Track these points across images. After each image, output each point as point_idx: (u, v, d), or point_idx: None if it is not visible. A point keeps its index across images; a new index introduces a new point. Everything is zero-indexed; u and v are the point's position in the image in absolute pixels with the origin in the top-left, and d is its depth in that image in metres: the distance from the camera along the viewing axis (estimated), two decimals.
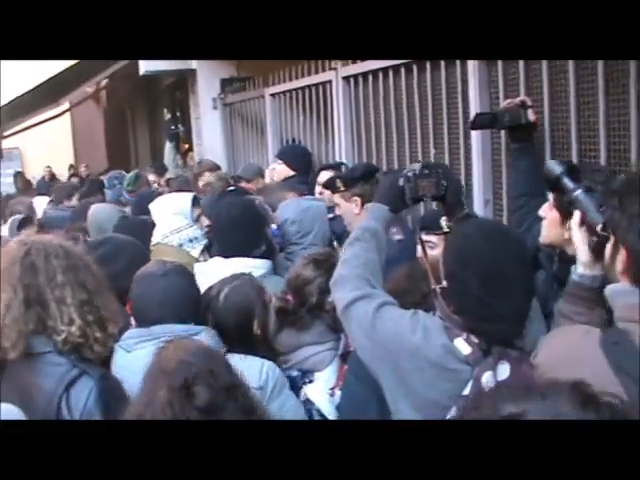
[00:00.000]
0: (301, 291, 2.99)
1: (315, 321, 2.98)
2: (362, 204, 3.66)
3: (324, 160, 5.70)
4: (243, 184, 5.60)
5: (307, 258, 3.15)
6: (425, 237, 2.92)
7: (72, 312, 2.20)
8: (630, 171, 2.64)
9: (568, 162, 2.47)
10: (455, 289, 2.09)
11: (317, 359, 2.85)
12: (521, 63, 3.35)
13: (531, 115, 3.11)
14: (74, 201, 6.80)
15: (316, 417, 2.78)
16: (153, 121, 15.51)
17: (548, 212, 2.41)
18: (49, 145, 17.49)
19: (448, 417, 1.97)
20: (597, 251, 2.04)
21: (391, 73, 4.55)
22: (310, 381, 2.82)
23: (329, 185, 3.91)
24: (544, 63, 3.20)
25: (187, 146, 9.97)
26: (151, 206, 4.25)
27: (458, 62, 3.83)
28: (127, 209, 5.39)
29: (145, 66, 9.26)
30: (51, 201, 6.97)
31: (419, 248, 2.71)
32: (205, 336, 2.46)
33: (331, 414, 2.78)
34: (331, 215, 4.10)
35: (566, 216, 2.26)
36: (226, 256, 3.41)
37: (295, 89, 6.20)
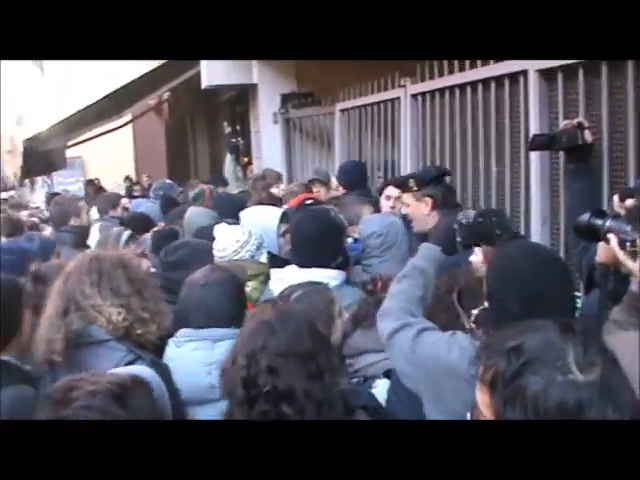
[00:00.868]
0: None
1: None
2: (433, 205, 3.80)
3: (389, 175, 5.84)
4: (317, 186, 5.83)
5: None
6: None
7: (107, 314, 2.62)
8: None
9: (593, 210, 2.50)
10: (495, 308, 2.18)
11: (379, 366, 2.93)
12: (581, 82, 3.41)
13: (588, 136, 3.14)
14: (119, 211, 6.76)
15: None
16: (213, 134, 15.78)
17: None
18: (110, 155, 17.82)
19: None
20: None
21: (458, 91, 4.65)
22: (370, 388, 2.89)
23: (402, 184, 4.04)
24: (604, 82, 3.25)
25: (247, 159, 10.15)
26: (242, 215, 4.49)
27: (522, 80, 3.89)
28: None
29: (207, 80, 9.48)
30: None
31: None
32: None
33: None
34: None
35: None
36: (303, 266, 3.50)
37: (364, 105, 6.36)
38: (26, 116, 20.09)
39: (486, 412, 1.48)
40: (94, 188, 13.41)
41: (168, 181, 7.81)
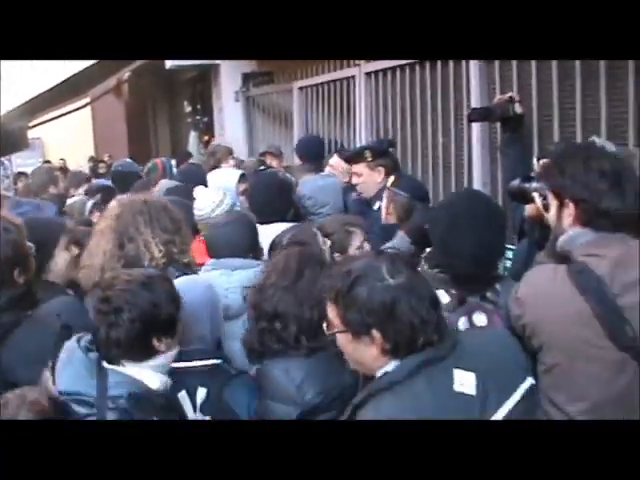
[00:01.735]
0: None
1: None
2: (386, 174, 4.27)
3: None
4: (269, 158, 6.48)
5: None
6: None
7: (156, 247, 3.16)
8: (560, 144, 3.15)
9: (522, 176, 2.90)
10: (431, 232, 2.75)
11: None
12: (514, 63, 3.90)
13: (518, 108, 3.50)
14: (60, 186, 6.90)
15: None
16: (173, 113, 15.89)
17: None
18: (70, 136, 17.90)
19: None
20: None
21: (408, 70, 5.09)
22: None
23: (357, 155, 4.49)
24: (533, 63, 3.75)
25: (207, 138, 10.45)
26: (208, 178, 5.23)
27: (464, 62, 4.35)
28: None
29: (170, 60, 9.71)
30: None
31: None
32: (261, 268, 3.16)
33: None
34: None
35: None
36: (263, 222, 3.99)
37: (321, 83, 6.73)
38: None
39: (335, 321, 2.06)
40: (59, 169, 13.52)
41: (128, 160, 8.14)
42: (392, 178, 4.12)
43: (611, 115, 3.30)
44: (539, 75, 3.76)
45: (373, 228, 3.86)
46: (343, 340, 2.07)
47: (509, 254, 3.51)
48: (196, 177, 5.52)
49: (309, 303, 2.49)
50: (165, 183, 5.70)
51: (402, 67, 5.17)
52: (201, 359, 2.66)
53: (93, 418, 2.23)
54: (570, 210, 2.27)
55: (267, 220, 4.05)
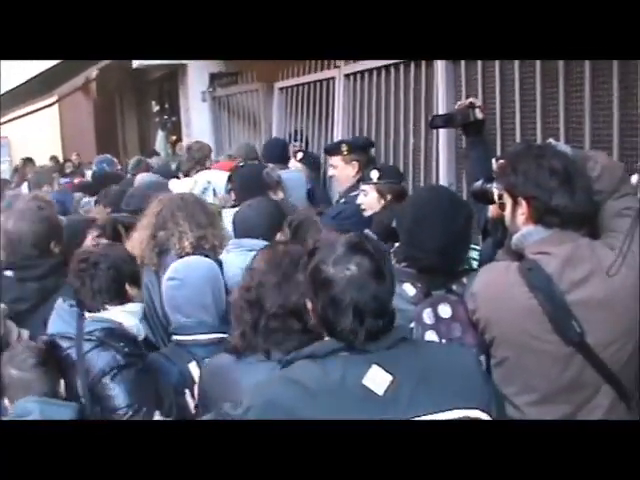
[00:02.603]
0: None
1: None
2: (359, 168, 4.54)
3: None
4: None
5: None
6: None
7: (187, 240, 3.58)
8: (516, 145, 3.21)
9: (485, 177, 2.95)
10: (397, 226, 2.83)
11: None
12: (479, 67, 3.97)
13: (479, 113, 3.54)
14: (55, 186, 7.19)
15: None
16: (141, 112, 15.88)
17: None
18: (37, 135, 17.80)
19: None
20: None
21: (384, 72, 5.18)
22: None
23: (334, 148, 4.75)
24: (497, 67, 3.81)
25: (175, 137, 10.45)
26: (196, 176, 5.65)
27: (435, 64, 4.41)
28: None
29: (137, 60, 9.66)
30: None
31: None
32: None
33: None
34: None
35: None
36: None
37: (301, 84, 6.79)
38: None
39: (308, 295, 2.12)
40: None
41: (109, 156, 8.23)
42: (376, 173, 4.28)
43: (569, 118, 3.38)
44: (502, 77, 3.84)
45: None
46: None
47: (475, 254, 3.57)
48: (169, 173, 6.35)
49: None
50: (144, 176, 6.07)
51: (379, 69, 5.26)
52: (208, 332, 2.98)
53: (73, 350, 2.78)
54: (523, 208, 2.34)
55: None
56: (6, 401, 2.63)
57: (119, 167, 8.03)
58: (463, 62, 4.16)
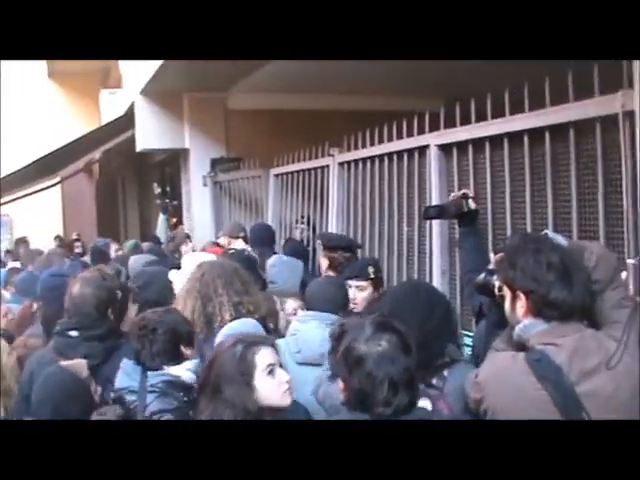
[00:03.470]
0: None
1: None
2: (328, 265, 4.74)
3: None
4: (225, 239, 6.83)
5: None
6: (355, 283, 4.09)
7: (227, 311, 3.75)
8: (513, 237, 3.27)
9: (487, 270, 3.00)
10: None
11: None
12: (470, 155, 4.10)
13: (472, 204, 3.66)
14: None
15: None
16: (143, 195, 16.03)
17: None
18: (38, 214, 17.88)
19: None
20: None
21: (377, 161, 5.32)
22: None
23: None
24: (487, 155, 3.94)
25: (175, 220, 10.56)
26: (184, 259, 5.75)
27: (428, 152, 4.52)
28: None
29: (141, 144, 9.92)
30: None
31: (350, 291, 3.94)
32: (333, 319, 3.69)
33: None
34: None
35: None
36: None
37: (297, 171, 6.98)
38: None
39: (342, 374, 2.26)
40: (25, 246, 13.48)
41: (105, 239, 8.55)
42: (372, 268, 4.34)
43: (557, 208, 3.48)
44: (492, 169, 3.94)
45: None
46: None
47: (467, 340, 3.63)
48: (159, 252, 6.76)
49: None
50: (136, 258, 6.22)
51: (372, 158, 5.41)
52: None
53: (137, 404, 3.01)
54: (521, 301, 2.37)
55: None
56: None
57: (116, 248, 8.27)
58: (455, 151, 4.28)
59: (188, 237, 7.61)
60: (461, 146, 4.22)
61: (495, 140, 3.88)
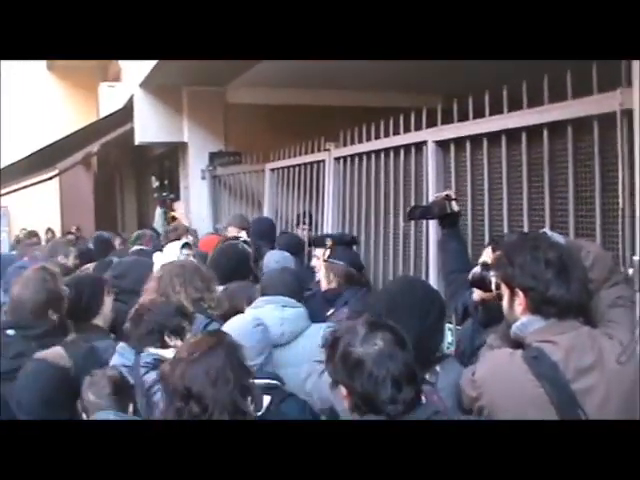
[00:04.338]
0: None
1: None
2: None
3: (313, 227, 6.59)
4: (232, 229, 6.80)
5: None
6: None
7: (186, 304, 3.85)
8: (511, 235, 3.27)
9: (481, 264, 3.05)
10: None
11: None
12: (468, 152, 4.11)
13: (455, 206, 3.67)
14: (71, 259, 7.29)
15: None
16: (141, 188, 16.02)
17: None
18: (36, 206, 17.88)
19: None
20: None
21: (374, 156, 5.32)
22: None
23: (319, 241, 4.96)
24: (485, 154, 3.95)
25: (173, 214, 10.57)
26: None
27: (425, 148, 4.54)
28: None
29: (140, 137, 9.88)
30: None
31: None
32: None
33: None
34: None
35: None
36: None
37: (292, 165, 6.99)
38: None
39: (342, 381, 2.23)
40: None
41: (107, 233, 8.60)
42: (328, 251, 4.53)
43: (554, 206, 3.50)
44: (490, 161, 3.96)
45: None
46: None
47: (449, 335, 3.66)
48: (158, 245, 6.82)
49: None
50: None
51: (368, 153, 5.41)
52: (261, 378, 3.09)
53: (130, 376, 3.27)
54: (520, 298, 2.39)
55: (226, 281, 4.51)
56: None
57: (119, 241, 8.29)
58: (452, 147, 4.29)
59: (187, 230, 7.66)
60: (458, 142, 4.24)
61: (493, 137, 3.89)
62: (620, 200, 2.95)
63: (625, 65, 2.78)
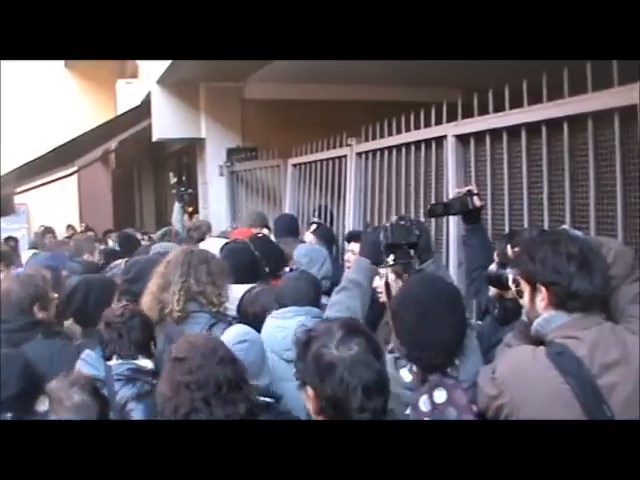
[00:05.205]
0: None
1: None
2: None
3: (334, 222, 6.63)
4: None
5: None
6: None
7: (180, 297, 3.69)
8: (529, 230, 3.27)
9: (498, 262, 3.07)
10: (397, 325, 2.72)
11: None
12: (488, 147, 4.09)
13: (477, 201, 3.57)
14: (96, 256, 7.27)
15: None
16: (159, 184, 16.10)
17: None
18: (55, 203, 17.99)
19: None
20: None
21: (395, 151, 5.34)
22: None
23: (356, 236, 4.77)
24: (505, 148, 3.93)
25: (191, 209, 10.59)
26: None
27: (445, 143, 4.55)
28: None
29: (158, 133, 9.93)
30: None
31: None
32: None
33: None
34: None
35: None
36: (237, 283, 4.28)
37: (315, 161, 7.00)
38: None
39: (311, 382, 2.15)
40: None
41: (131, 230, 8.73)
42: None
43: (574, 200, 3.49)
44: (510, 157, 3.96)
45: None
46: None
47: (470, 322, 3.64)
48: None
49: None
50: (156, 246, 6.32)
51: (390, 148, 5.42)
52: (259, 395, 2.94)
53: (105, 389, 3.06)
54: (542, 294, 2.35)
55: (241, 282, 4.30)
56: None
57: (144, 237, 8.41)
58: (472, 142, 4.28)
59: (209, 227, 7.77)
60: (479, 136, 4.23)
61: (513, 130, 3.89)
62: None
63: None
